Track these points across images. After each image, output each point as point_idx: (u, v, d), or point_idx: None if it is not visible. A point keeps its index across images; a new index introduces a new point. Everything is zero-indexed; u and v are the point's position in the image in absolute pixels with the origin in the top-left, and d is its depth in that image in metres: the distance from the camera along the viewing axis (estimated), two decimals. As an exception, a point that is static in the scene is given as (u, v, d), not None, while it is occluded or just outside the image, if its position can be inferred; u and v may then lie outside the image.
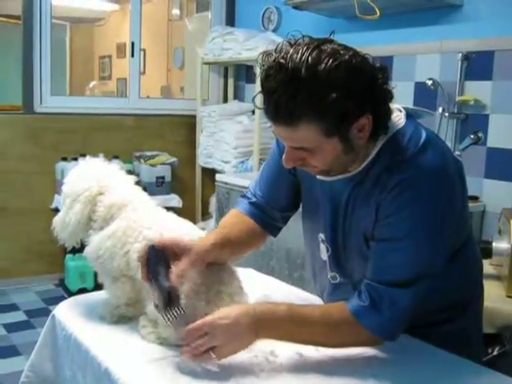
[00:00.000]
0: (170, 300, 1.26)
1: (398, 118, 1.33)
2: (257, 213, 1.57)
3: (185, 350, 1.23)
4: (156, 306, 1.28)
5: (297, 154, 1.26)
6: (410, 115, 1.36)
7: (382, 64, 1.26)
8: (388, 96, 1.26)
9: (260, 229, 1.57)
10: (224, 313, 1.25)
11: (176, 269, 1.28)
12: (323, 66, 1.14)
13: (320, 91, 1.14)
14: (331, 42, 1.21)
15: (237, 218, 1.57)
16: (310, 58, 1.15)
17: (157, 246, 1.31)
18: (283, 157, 1.29)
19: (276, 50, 1.21)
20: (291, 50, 1.17)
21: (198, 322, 1.22)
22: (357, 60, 1.19)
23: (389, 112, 1.28)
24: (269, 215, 1.57)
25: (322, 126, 1.18)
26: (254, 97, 1.25)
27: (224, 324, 1.22)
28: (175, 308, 1.26)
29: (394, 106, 1.32)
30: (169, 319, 1.26)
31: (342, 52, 1.18)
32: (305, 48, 1.17)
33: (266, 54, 1.22)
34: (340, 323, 1.28)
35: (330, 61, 1.15)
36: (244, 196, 1.62)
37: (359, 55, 1.20)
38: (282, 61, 1.16)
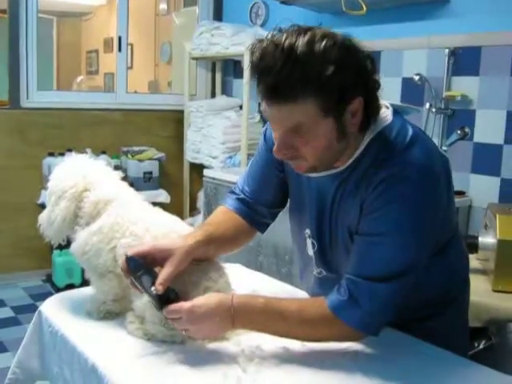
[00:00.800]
0: (162, 304, 1.26)
1: (385, 114, 1.33)
2: (244, 209, 1.56)
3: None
4: (161, 321, 1.32)
5: (289, 140, 1.24)
6: (396, 112, 1.36)
7: (369, 53, 1.27)
8: (376, 86, 1.27)
9: (247, 225, 1.57)
10: (202, 301, 1.26)
11: (162, 274, 1.27)
12: (318, 44, 1.17)
13: (318, 66, 1.16)
14: (320, 28, 1.23)
15: (224, 214, 1.57)
16: (305, 37, 1.17)
17: (134, 256, 1.30)
18: (274, 147, 1.27)
19: (267, 36, 1.22)
20: (284, 33, 1.19)
21: (176, 305, 1.24)
22: (349, 42, 1.22)
23: (378, 101, 1.29)
24: (256, 211, 1.57)
25: (320, 100, 1.18)
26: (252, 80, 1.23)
27: (200, 312, 1.23)
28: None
29: (381, 102, 1.33)
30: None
31: (334, 34, 1.20)
32: (297, 31, 1.18)
33: (258, 40, 1.22)
34: (316, 318, 1.28)
35: (325, 40, 1.17)
36: (232, 192, 1.62)
37: (351, 38, 1.23)
38: (277, 41, 1.18)
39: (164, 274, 1.27)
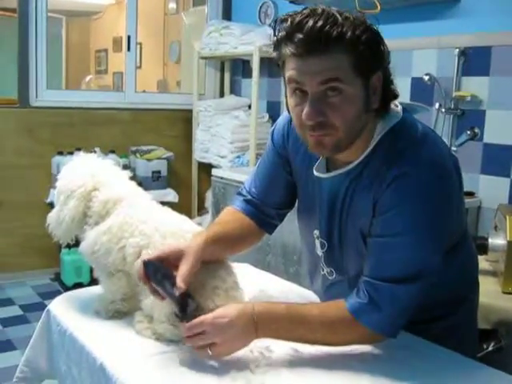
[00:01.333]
0: (184, 305, 1.25)
1: (396, 111, 1.33)
2: (252, 210, 1.56)
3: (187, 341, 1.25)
4: (176, 316, 1.27)
5: (320, 106, 1.22)
6: (406, 110, 1.36)
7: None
8: (391, 74, 1.31)
9: (255, 226, 1.56)
10: (222, 312, 1.24)
11: (180, 273, 1.26)
12: (352, 17, 1.22)
13: (353, 30, 1.20)
14: None
15: (231, 215, 1.57)
16: (338, 12, 1.21)
17: (152, 261, 1.29)
18: (304, 111, 1.24)
19: (291, 14, 1.24)
20: (318, 9, 1.23)
21: (197, 319, 1.22)
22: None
23: (392, 89, 1.32)
24: (264, 212, 1.57)
25: (352, 59, 1.21)
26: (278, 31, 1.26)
27: (221, 323, 1.21)
28: (192, 311, 1.25)
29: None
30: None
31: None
32: (327, 11, 1.22)
33: (281, 19, 1.25)
34: (338, 322, 1.27)
35: (353, 14, 1.24)
36: (239, 194, 1.61)
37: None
38: (312, 9, 1.22)
39: (182, 272, 1.27)
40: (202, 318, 1.22)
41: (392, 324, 1.27)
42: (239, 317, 1.23)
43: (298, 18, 1.21)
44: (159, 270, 1.28)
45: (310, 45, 1.20)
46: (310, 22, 1.18)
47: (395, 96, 1.33)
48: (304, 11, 1.22)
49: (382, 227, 1.27)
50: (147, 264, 1.28)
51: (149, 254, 1.34)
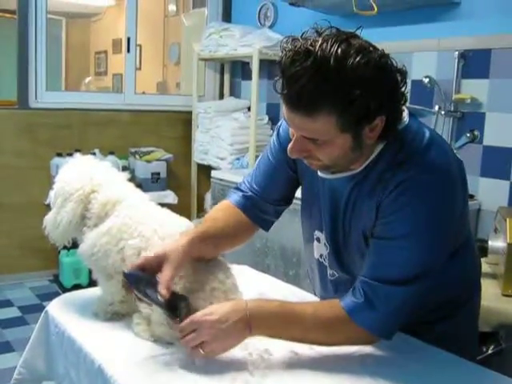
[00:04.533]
0: (171, 309, 1.25)
1: (402, 116, 1.31)
2: (249, 206, 1.56)
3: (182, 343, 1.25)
4: (168, 323, 1.28)
5: (305, 144, 1.23)
6: (412, 114, 1.35)
7: (402, 67, 1.24)
8: (403, 99, 1.25)
9: (249, 222, 1.56)
10: (213, 309, 1.24)
11: (162, 280, 1.26)
12: (352, 60, 1.13)
13: (345, 86, 1.12)
14: (358, 37, 1.20)
15: (225, 210, 1.56)
16: (339, 50, 1.13)
17: (133, 271, 1.29)
18: (289, 146, 1.26)
19: (302, 36, 1.19)
20: (320, 40, 1.15)
21: (188, 319, 1.22)
22: (384, 60, 1.18)
23: (400, 115, 1.27)
24: (261, 209, 1.56)
25: (340, 120, 1.16)
26: (275, 82, 1.20)
27: (211, 320, 1.21)
28: (183, 312, 1.25)
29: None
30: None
31: (370, 49, 1.17)
32: (334, 39, 1.14)
33: (292, 38, 1.19)
34: (332, 321, 1.27)
35: (359, 57, 1.13)
36: (238, 188, 1.61)
37: (385, 56, 1.20)
38: (310, 47, 1.14)
39: (163, 279, 1.26)
40: (191, 316, 1.22)
41: (386, 325, 1.26)
42: (231, 313, 1.23)
43: (288, 63, 1.15)
44: (141, 280, 1.28)
45: (293, 104, 1.17)
46: (297, 79, 1.13)
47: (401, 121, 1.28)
48: (299, 48, 1.15)
49: (383, 230, 1.27)
50: (128, 275, 1.28)
51: (128, 265, 1.34)
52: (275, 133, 1.55)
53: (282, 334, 1.28)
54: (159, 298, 1.24)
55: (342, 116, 1.15)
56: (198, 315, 1.23)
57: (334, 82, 1.12)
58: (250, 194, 1.57)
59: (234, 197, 1.58)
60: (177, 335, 1.27)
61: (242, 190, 1.59)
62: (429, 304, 1.37)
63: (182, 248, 1.33)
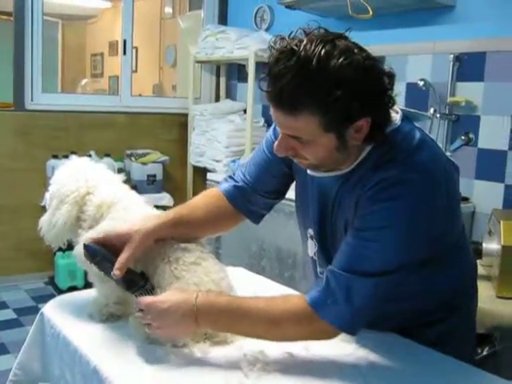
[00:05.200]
0: (129, 285, 1.33)
1: (394, 118, 1.31)
2: (236, 195, 1.56)
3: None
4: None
5: (290, 142, 1.25)
6: (406, 117, 1.35)
7: (390, 70, 1.25)
8: (390, 102, 1.25)
9: (234, 211, 1.57)
10: (165, 296, 1.28)
11: (119, 259, 1.32)
12: (335, 61, 1.14)
13: (327, 86, 1.13)
14: (345, 38, 1.20)
15: (209, 198, 1.58)
16: (323, 51, 1.14)
17: (91, 244, 1.36)
18: (275, 144, 1.28)
19: (290, 35, 1.20)
20: (305, 39, 1.17)
21: (141, 298, 1.28)
22: (368, 62, 1.19)
23: (388, 118, 1.27)
24: (249, 200, 1.57)
25: (323, 120, 1.17)
26: (260, 79, 1.22)
27: (161, 308, 1.25)
28: (140, 288, 1.33)
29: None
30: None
31: (355, 51, 1.18)
32: (319, 40, 1.16)
33: (280, 37, 1.21)
34: (284, 313, 1.25)
35: (342, 57, 1.14)
36: (231, 178, 1.61)
37: (371, 58, 1.20)
38: (294, 47, 1.15)
39: (121, 258, 1.32)
40: (142, 298, 1.28)
41: (347, 317, 1.23)
42: (179, 305, 1.25)
43: (273, 62, 1.17)
44: (98, 253, 1.35)
45: (276, 102, 1.19)
46: (280, 77, 1.14)
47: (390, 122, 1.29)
48: (284, 47, 1.17)
49: (359, 222, 1.26)
50: (87, 246, 1.35)
51: (90, 237, 1.38)
52: (271, 127, 1.56)
53: (229, 329, 1.31)
54: (112, 274, 1.31)
55: (324, 116, 1.16)
56: (148, 299, 1.27)
57: (316, 81, 1.13)
58: (240, 183, 1.57)
59: (224, 185, 1.60)
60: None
61: (234, 179, 1.60)
62: (425, 307, 1.37)
63: (146, 231, 1.37)
